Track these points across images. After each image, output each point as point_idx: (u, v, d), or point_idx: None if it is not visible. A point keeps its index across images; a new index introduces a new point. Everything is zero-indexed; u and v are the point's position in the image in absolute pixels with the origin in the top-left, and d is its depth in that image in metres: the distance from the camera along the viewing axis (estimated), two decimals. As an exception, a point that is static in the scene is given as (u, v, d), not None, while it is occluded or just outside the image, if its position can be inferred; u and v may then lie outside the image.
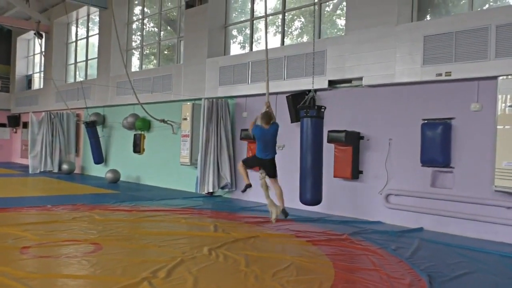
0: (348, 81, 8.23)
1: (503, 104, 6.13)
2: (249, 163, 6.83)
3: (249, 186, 6.67)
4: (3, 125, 21.54)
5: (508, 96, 6.10)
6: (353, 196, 8.06)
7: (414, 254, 5.33)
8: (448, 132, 6.84)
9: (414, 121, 7.25)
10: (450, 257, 5.29)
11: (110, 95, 14.33)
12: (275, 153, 6.65)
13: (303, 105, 7.21)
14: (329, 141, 7.98)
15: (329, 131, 7.99)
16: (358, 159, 7.99)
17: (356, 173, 7.96)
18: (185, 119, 11.14)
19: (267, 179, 6.68)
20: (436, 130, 6.89)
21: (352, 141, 7.89)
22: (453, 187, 6.85)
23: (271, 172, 6.64)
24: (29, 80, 21.41)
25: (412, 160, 7.25)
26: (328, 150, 8.19)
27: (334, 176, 8.14)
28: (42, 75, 19.56)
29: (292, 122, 8.89)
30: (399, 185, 7.48)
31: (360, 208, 7.95)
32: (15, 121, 21.09)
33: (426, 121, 7.07)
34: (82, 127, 15.62)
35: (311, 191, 6.80)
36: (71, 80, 17.80)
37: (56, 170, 15.53)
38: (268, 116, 6.57)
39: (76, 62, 17.71)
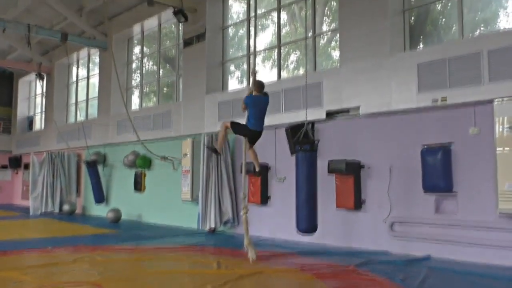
0: (346, 111, 8.33)
1: (501, 127, 6.19)
2: (238, 129, 6.49)
3: (218, 153, 6.61)
4: (4, 167, 21.61)
5: (505, 119, 6.16)
6: (357, 226, 8.00)
7: (422, 283, 5.24)
8: (448, 157, 6.87)
9: (414, 148, 7.29)
10: (459, 285, 5.20)
11: (110, 134, 14.47)
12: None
13: (297, 139, 7.28)
14: (330, 171, 8.00)
15: (330, 162, 8.02)
16: (360, 188, 7.98)
17: (358, 203, 7.93)
18: (186, 155, 11.20)
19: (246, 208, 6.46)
20: (436, 155, 6.92)
21: (353, 170, 7.90)
22: (458, 213, 6.81)
23: (255, 141, 6.54)
24: (30, 121, 21.66)
25: (414, 187, 7.24)
26: (329, 181, 8.19)
27: (337, 207, 8.10)
28: (43, 116, 19.81)
29: (292, 154, 8.93)
30: (403, 213, 7.43)
31: (365, 238, 7.87)
32: (16, 163, 21.19)
33: (425, 147, 7.11)
34: (83, 167, 15.67)
35: (307, 220, 6.84)
36: (72, 120, 18.01)
37: (57, 211, 15.48)
38: (261, 84, 6.48)
39: (77, 102, 17.96)
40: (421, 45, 8.06)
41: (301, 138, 7.22)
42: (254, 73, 6.71)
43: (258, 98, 6.43)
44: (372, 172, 7.88)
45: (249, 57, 10.95)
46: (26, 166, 19.84)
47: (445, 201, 7.00)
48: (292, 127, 8.88)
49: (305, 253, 7.38)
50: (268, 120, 9.28)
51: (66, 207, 15.31)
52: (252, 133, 6.43)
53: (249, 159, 6.76)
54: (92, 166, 14.51)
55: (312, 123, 8.59)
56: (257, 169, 6.78)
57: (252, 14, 10.91)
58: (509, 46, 6.32)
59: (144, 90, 14.73)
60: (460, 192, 6.80)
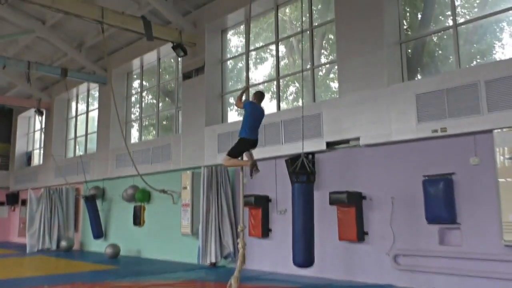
0: (346, 141, 8.39)
1: (502, 157, 6.22)
2: (238, 151, 6.29)
3: (254, 166, 6.22)
4: (1, 204, 21.49)
5: (506, 149, 6.20)
6: (361, 259, 7.91)
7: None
8: (450, 188, 6.86)
9: (415, 178, 7.29)
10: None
11: (109, 168, 14.48)
12: None
13: (293, 170, 7.29)
14: (331, 203, 7.97)
15: (331, 193, 8.01)
16: (362, 220, 7.93)
17: (361, 235, 7.87)
18: (185, 188, 11.18)
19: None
20: (438, 186, 6.91)
21: (355, 201, 7.88)
22: (462, 244, 6.75)
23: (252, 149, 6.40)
24: (28, 156, 21.69)
25: (417, 218, 7.20)
26: (331, 213, 8.16)
27: (340, 239, 8.03)
28: (41, 151, 19.86)
29: (293, 185, 8.91)
30: (406, 245, 7.36)
31: (368, 271, 7.76)
32: (13, 199, 21.07)
33: (427, 178, 7.11)
34: (82, 202, 15.60)
35: (303, 253, 6.75)
36: (70, 155, 18.06)
37: (54, 248, 15.30)
38: (262, 95, 6.50)
39: (76, 137, 18.06)
40: (419, 76, 8.20)
41: (298, 169, 7.24)
42: (248, 88, 6.74)
43: (257, 107, 6.38)
44: (374, 203, 7.86)
45: (248, 89, 11.05)
46: (24, 202, 19.74)
47: (449, 232, 6.95)
48: (292, 158, 8.88)
49: (307, 287, 7.26)
50: (268, 152, 9.39)
51: (63, 244, 15.13)
52: (249, 143, 6.28)
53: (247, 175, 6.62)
54: (90, 200, 14.44)
55: (312, 154, 8.61)
56: (255, 168, 6.42)
57: (251, 47, 11.14)
58: (506, 77, 6.43)
59: (144, 123, 14.85)
60: (464, 223, 6.76)
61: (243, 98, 6.67)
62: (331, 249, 8.18)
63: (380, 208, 7.76)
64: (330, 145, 8.60)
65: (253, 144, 6.32)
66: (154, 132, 14.33)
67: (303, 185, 6.98)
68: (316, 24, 9.95)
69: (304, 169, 7.16)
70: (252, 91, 7.63)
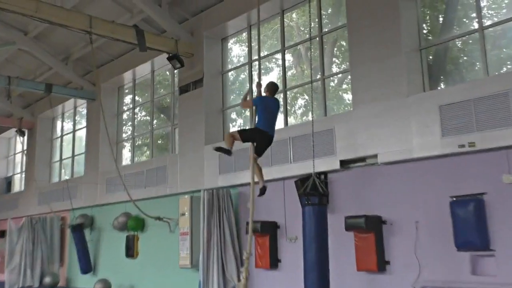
0: (362, 159, 8.37)
1: (538, 174, 6.18)
2: (247, 136, 6.41)
3: (230, 152, 6.44)
4: (-23, 236, 21.43)
5: (542, 164, 6.16)
6: (382, 292, 7.81)
7: None
8: (482, 209, 6.80)
9: (441, 200, 7.23)
10: None
11: (99, 193, 14.49)
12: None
13: (304, 191, 7.28)
14: (347, 228, 7.92)
15: (346, 218, 7.96)
16: (383, 247, 7.86)
17: (382, 264, 7.78)
18: (183, 214, 11.14)
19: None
20: (467, 208, 6.86)
21: (374, 227, 7.82)
22: (498, 274, 6.65)
23: (263, 151, 6.45)
24: (8, 182, 21.72)
25: (445, 245, 7.12)
26: (348, 239, 8.09)
27: (358, 270, 7.95)
28: (23, 176, 19.91)
29: (303, 208, 8.88)
30: (434, 275, 7.26)
31: (391, 306, 7.66)
32: (-9, 230, 21.03)
33: (454, 199, 7.06)
34: (68, 232, 15.56)
35: (317, 286, 6.66)
36: (55, 179, 18.09)
37: (36, 285, 15.18)
38: (276, 86, 6.59)
39: (61, 159, 18.11)
40: (442, 85, 8.22)
41: (309, 190, 7.21)
42: (260, 85, 6.78)
43: (269, 100, 6.47)
44: (396, 228, 7.79)
45: (252, 91, 11.13)
46: (2, 234, 19.68)
47: (482, 260, 6.85)
48: (302, 179, 8.88)
49: (324, 326, 7.16)
50: (275, 172, 9.38)
51: (47, 280, 15.03)
52: (263, 136, 6.35)
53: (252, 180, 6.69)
54: (77, 230, 14.40)
55: (325, 174, 8.61)
56: (260, 186, 6.65)
57: (255, 57, 11.24)
58: (539, 83, 6.44)
59: (136, 143, 14.92)
60: (498, 250, 6.67)
61: (248, 97, 6.74)
62: (348, 280, 8.08)
63: (402, 234, 7.69)
64: (344, 163, 8.58)
65: (269, 139, 6.39)
66: (148, 152, 14.38)
67: (315, 208, 6.96)
68: (326, 30, 10.04)
69: (316, 189, 7.15)
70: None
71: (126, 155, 15.20)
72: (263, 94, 6.84)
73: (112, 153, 12.11)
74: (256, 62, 11.24)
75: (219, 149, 6.62)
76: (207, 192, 10.41)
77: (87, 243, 14.50)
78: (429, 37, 8.51)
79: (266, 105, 6.45)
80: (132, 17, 12.35)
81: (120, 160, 14.84)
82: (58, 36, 13.98)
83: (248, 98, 6.77)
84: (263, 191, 6.74)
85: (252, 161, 6.51)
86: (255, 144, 6.53)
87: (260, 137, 6.43)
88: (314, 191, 7.14)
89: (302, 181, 8.86)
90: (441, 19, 8.62)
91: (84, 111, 16.82)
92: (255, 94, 7.18)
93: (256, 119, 6.54)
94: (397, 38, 8.07)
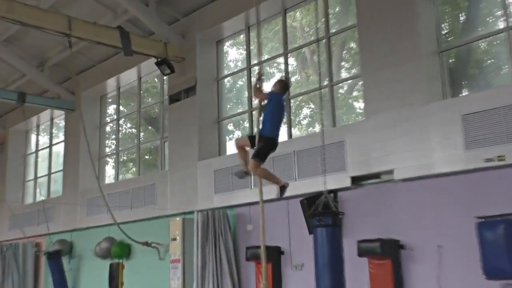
0: (376, 175, 8.36)
1: None
2: (265, 153, 6.53)
3: (248, 173, 6.58)
4: None
5: None
6: (401, 327, 7.75)
7: None
8: (513, 232, 6.77)
9: (467, 221, 7.19)
10: None
11: (79, 216, 14.43)
12: None
13: (314, 211, 7.26)
14: (360, 254, 7.88)
15: (359, 242, 7.93)
16: (401, 275, 7.82)
17: (401, 295, 7.74)
18: (174, 239, 11.08)
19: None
20: (497, 230, 6.81)
21: (390, 252, 7.78)
22: (533, 305, 6.61)
23: (267, 156, 6.63)
24: (-24, 204, 21.66)
25: (472, 272, 7.07)
26: (361, 266, 8.05)
27: (373, 301, 7.89)
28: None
29: (310, 233, 8.83)
30: (459, 307, 7.22)
31: None
32: (-43, 258, 20.90)
33: (482, 220, 7.02)
34: (43, 260, 15.47)
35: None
36: (29, 200, 18.02)
37: (8, 320, 15.09)
38: (287, 85, 6.85)
39: (36, 178, 18.07)
40: (465, 92, 8.24)
41: (320, 209, 7.19)
42: (261, 75, 6.90)
43: (281, 99, 6.64)
44: (416, 254, 7.76)
45: (251, 113, 11.17)
46: (-30, 262, 19.57)
47: (514, 289, 6.81)
48: (309, 198, 8.86)
49: None
50: (277, 190, 9.34)
51: (20, 314, 14.94)
52: (270, 140, 6.53)
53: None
54: (54, 258, 14.30)
55: (334, 192, 8.59)
56: (280, 185, 6.80)
57: (254, 61, 11.29)
58: None
59: (121, 159, 14.90)
60: (532, 277, 6.63)
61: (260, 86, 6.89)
62: (362, 314, 8.02)
63: (423, 260, 7.65)
64: (356, 180, 8.56)
65: (275, 146, 6.60)
66: (134, 169, 14.36)
67: (328, 230, 6.91)
68: (334, 30, 10.10)
69: (328, 208, 7.13)
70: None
71: (110, 172, 15.17)
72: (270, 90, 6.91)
73: (93, 170, 12.05)
74: (255, 68, 11.33)
75: (238, 175, 6.79)
76: (201, 214, 10.37)
77: (65, 273, 14.39)
78: (450, 38, 8.56)
79: (278, 104, 6.61)
80: (116, 17, 12.43)
81: (102, 178, 14.79)
82: (33, 39, 14.02)
83: (260, 87, 6.79)
84: (283, 190, 6.80)
85: (257, 169, 6.55)
86: (259, 150, 6.62)
87: (269, 144, 6.62)
88: (326, 210, 7.12)
89: (309, 200, 8.85)
90: (463, 18, 8.68)
91: (62, 123, 16.83)
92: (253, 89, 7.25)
93: (262, 118, 6.58)
94: (413, 40, 8.12)
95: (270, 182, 6.72)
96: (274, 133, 6.55)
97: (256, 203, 10.05)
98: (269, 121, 6.50)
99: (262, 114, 6.75)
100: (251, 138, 6.69)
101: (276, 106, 6.58)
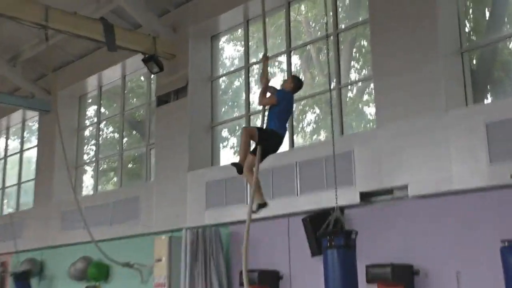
0: (388, 191, 8.37)
1: None
2: (265, 137, 6.58)
3: (264, 205, 6.60)
4: None
5: None
6: None
7: None
8: (542, 257, 6.78)
9: (490, 244, 7.20)
10: None
11: (51, 232, 14.41)
12: None
13: (325, 230, 7.26)
14: (369, 280, 7.88)
15: (368, 266, 7.93)
16: (416, 305, 7.82)
17: (414, 327, 7.74)
18: (159, 260, 11.07)
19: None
20: (524, 255, 6.83)
21: (403, 278, 7.78)
22: None
23: (268, 154, 6.70)
24: None
25: (495, 302, 7.08)
26: (370, 295, 8.05)
27: (383, 334, 7.89)
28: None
29: (313, 255, 8.84)
30: None
31: None
32: None
33: (506, 244, 7.02)
34: (9, 282, 15.42)
35: None
36: (-4, 212, 18.02)
37: None
38: (300, 82, 7.03)
39: (4, 187, 18.06)
40: (489, 97, 8.27)
41: (332, 227, 7.21)
42: (267, 57, 7.02)
43: (291, 97, 6.84)
44: (432, 280, 7.75)
45: (249, 118, 11.21)
46: None
47: (542, 322, 6.80)
48: (313, 216, 8.86)
49: None
50: (277, 207, 9.35)
51: None
52: (278, 139, 6.68)
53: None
54: (22, 279, 14.26)
55: (341, 209, 8.59)
56: (261, 201, 6.69)
57: (253, 59, 11.33)
58: None
59: (101, 167, 14.91)
60: (563, 309, 6.63)
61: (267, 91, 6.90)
62: None
63: (440, 288, 7.66)
64: (365, 196, 8.57)
65: (280, 143, 6.72)
66: (115, 179, 14.35)
67: (340, 252, 6.89)
68: (343, 26, 10.14)
69: (340, 227, 7.15)
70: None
71: (88, 183, 15.18)
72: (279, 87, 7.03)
73: (69, 180, 12.07)
74: (254, 66, 11.39)
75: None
76: (191, 232, 10.37)
77: (35, 296, 14.39)
78: (473, 37, 8.59)
79: (288, 102, 6.79)
80: (98, 7, 12.42)
81: (79, 189, 14.81)
82: (4, 30, 14.02)
83: (267, 92, 6.86)
84: (262, 207, 6.71)
85: (256, 161, 6.61)
86: (262, 148, 6.67)
87: (275, 141, 6.72)
88: (338, 229, 7.13)
89: (313, 219, 8.85)
90: (487, 14, 8.72)
91: (35, 126, 16.85)
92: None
93: (269, 116, 6.71)
94: (432, 38, 8.15)
95: (250, 184, 6.72)
96: (282, 131, 6.70)
97: (253, 220, 10.10)
98: (278, 122, 6.65)
99: (269, 113, 6.83)
100: (261, 131, 6.69)
101: (284, 106, 6.74)
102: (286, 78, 7.29)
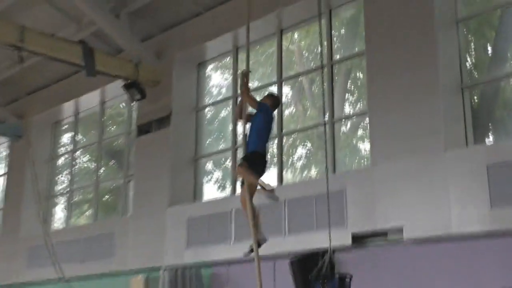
0: (382, 233, 8.34)
1: None
2: (258, 169, 6.69)
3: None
4: None
5: None
6: None
7: None
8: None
9: (492, 293, 7.20)
10: None
11: (17, 268, 14.20)
12: None
13: (317, 273, 7.21)
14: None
15: (361, 315, 7.86)
16: None
17: None
18: (135, 302, 10.96)
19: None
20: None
21: (397, 329, 7.72)
22: None
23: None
24: None
25: None
26: None
27: None
28: None
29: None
30: None
31: None
32: None
33: (510, 293, 7.03)
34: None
35: None
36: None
37: None
38: (278, 100, 7.45)
39: (-32, 218, 17.84)
40: (491, 137, 8.32)
41: (324, 271, 7.16)
42: (247, 73, 7.08)
43: (271, 113, 7.02)
44: (427, 331, 7.70)
45: (235, 151, 11.18)
46: None
47: None
48: (302, 258, 8.78)
49: None
50: (262, 247, 9.29)
51: None
52: (263, 160, 6.83)
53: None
54: (-16, 318, 14.03)
55: (332, 252, 8.54)
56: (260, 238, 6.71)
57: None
58: None
59: (75, 198, 14.76)
60: None
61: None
62: None
63: None
64: (358, 239, 8.53)
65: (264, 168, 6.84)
66: (90, 212, 14.21)
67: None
68: (338, 56, 10.22)
69: (333, 270, 7.12)
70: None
71: (59, 215, 15.01)
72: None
73: (39, 212, 11.93)
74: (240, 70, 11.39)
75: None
76: (169, 272, 10.28)
77: None
78: (475, 73, 8.68)
79: (270, 119, 6.95)
80: (79, 30, 12.49)
81: (50, 222, 14.63)
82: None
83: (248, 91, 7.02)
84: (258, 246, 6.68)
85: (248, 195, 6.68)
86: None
87: (262, 165, 6.84)
88: (332, 272, 7.10)
89: (301, 262, 8.76)
90: (490, 49, 8.82)
91: (5, 153, 16.72)
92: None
93: (249, 136, 6.78)
94: (432, 73, 8.22)
95: (250, 219, 6.69)
96: (263, 149, 6.79)
97: (236, 261, 10.02)
98: (257, 139, 6.72)
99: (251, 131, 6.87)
100: (248, 161, 6.71)
101: (268, 120, 6.89)
102: (268, 95, 7.42)
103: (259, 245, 6.65)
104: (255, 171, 6.67)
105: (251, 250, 6.72)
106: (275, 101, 7.25)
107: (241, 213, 9.96)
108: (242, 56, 11.58)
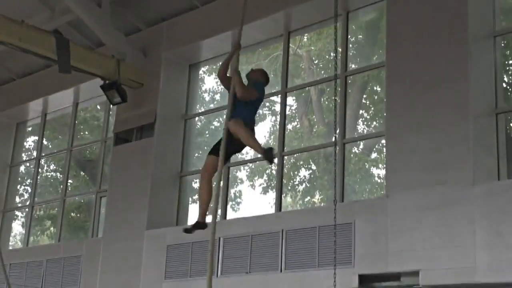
0: (394, 277, 8.31)
1: None
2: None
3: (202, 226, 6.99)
4: None
5: None
6: None
7: None
8: None
9: None
10: None
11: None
12: None
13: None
14: None
15: None
16: None
17: None
18: (101, 338, 10.90)
19: None
20: None
21: None
22: None
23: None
24: None
25: None
26: None
27: None
28: None
29: None
30: None
31: None
32: None
33: None
34: None
35: None
36: None
37: None
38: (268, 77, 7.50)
39: None
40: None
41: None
42: (238, 71, 7.06)
43: (264, 89, 7.22)
44: None
45: (228, 170, 11.13)
46: None
47: None
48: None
49: None
50: (255, 285, 9.25)
51: None
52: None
53: None
54: None
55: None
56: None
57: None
58: None
59: (36, 213, 14.69)
60: None
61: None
62: None
63: None
64: (365, 280, 8.50)
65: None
66: (53, 230, 14.15)
67: None
68: (353, 66, 10.22)
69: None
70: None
71: (17, 231, 14.94)
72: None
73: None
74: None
75: (193, 228, 7.08)
76: (143, 306, 10.23)
77: None
78: (510, 95, 8.69)
79: (262, 95, 7.15)
80: (53, 17, 12.44)
81: (6, 240, 14.57)
82: None
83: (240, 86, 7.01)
84: (270, 154, 6.75)
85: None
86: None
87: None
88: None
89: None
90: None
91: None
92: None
93: (237, 107, 6.88)
94: (462, 92, 8.19)
95: (250, 145, 6.92)
96: (254, 123, 7.02)
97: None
98: (248, 110, 6.92)
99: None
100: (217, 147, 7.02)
101: (260, 100, 7.15)
102: (253, 68, 7.55)
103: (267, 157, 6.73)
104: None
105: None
106: (263, 73, 7.43)
107: (229, 242, 10.00)
108: (241, 58, 11.55)
